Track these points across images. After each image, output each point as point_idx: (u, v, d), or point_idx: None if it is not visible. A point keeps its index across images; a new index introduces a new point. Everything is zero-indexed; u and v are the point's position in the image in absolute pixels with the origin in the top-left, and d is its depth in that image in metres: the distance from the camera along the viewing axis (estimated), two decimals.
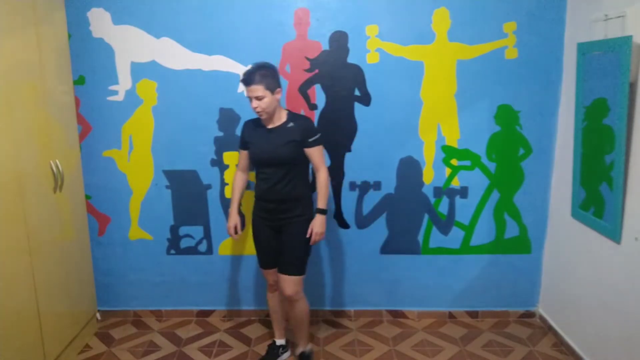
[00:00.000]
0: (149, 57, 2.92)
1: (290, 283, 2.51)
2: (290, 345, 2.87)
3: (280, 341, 2.81)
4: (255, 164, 2.57)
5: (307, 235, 2.50)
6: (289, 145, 2.43)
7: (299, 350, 2.72)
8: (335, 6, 2.86)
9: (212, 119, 2.99)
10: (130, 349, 2.93)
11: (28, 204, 2.36)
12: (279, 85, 2.41)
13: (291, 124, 2.46)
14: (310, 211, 2.55)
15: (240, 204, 2.71)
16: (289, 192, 2.47)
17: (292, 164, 2.46)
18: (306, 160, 2.52)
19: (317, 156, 2.50)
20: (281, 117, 2.48)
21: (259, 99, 2.34)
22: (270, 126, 2.47)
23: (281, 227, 2.54)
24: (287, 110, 2.53)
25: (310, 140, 2.45)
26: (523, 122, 2.97)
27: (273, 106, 2.40)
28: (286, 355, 2.82)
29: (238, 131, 2.99)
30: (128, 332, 3.12)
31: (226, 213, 3.09)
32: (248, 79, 2.34)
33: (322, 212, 2.51)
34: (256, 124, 2.52)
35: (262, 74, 2.33)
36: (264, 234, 2.59)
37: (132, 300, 3.27)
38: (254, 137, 2.52)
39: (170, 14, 2.86)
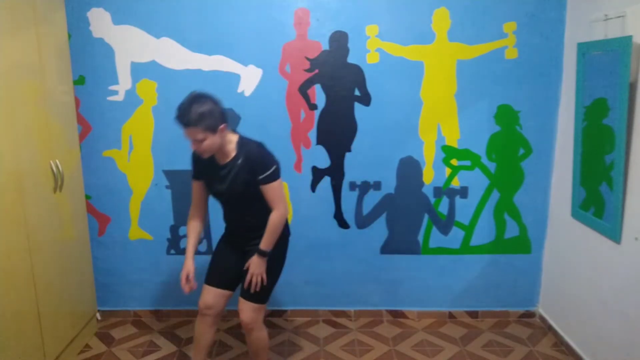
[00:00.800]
0: (149, 57, 2.91)
1: (247, 309, 2.24)
2: None
3: None
4: (212, 196, 2.34)
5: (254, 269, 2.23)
6: (241, 185, 2.14)
7: None
8: (335, 6, 2.86)
9: None
10: (130, 349, 2.93)
11: (28, 204, 2.36)
12: (223, 121, 2.04)
13: (240, 160, 2.12)
14: (282, 239, 2.28)
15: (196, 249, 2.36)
16: (251, 224, 2.25)
17: (251, 200, 2.19)
18: None
19: (271, 195, 2.16)
20: (231, 151, 2.14)
21: (198, 141, 2.01)
22: (220, 162, 2.17)
23: (247, 252, 2.29)
24: (239, 137, 2.17)
25: (260, 177, 2.12)
26: (523, 122, 2.97)
27: (216, 145, 2.06)
28: None
29: (238, 131, 2.97)
30: (128, 332, 3.12)
31: None
32: (182, 119, 1.98)
33: (262, 254, 2.19)
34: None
35: (200, 112, 1.96)
36: (228, 247, 2.38)
37: (132, 300, 3.27)
38: (206, 170, 2.22)
39: (170, 14, 2.86)
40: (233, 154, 2.14)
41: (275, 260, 2.29)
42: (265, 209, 2.19)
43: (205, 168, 2.22)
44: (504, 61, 2.89)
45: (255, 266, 2.21)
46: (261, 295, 2.26)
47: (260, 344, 2.34)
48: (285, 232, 2.32)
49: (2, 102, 2.18)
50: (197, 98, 2.01)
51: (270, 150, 2.21)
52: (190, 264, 2.29)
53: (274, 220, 2.17)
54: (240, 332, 3.09)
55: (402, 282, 3.22)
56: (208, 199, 2.36)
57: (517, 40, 2.87)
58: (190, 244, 2.32)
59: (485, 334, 3.08)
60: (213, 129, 2.00)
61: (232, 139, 2.16)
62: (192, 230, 2.33)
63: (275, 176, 2.15)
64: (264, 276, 2.22)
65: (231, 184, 2.15)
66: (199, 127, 1.97)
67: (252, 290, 2.22)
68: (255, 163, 2.12)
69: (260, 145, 2.19)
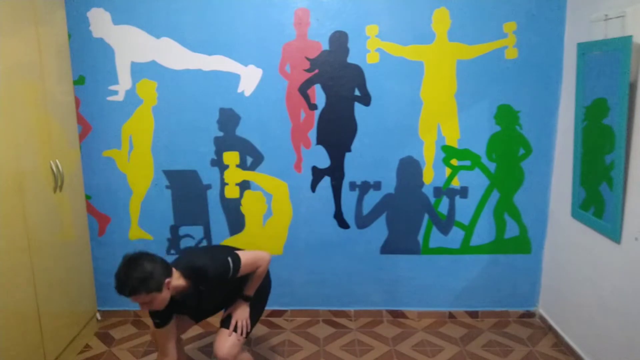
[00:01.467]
0: (149, 57, 2.92)
1: (228, 342, 2.13)
2: None
3: None
4: None
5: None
6: (219, 296, 2.18)
7: None
8: (335, 6, 2.86)
9: (212, 119, 2.99)
10: (130, 349, 2.93)
11: (28, 203, 2.36)
12: (166, 275, 1.89)
13: (202, 286, 2.02)
14: (266, 280, 2.34)
15: None
16: (234, 294, 2.26)
17: (231, 288, 2.20)
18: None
19: (247, 269, 2.13)
20: (184, 284, 1.99)
21: (146, 304, 1.88)
22: (180, 297, 2.03)
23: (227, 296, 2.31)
24: (180, 272, 2.00)
25: (229, 277, 2.05)
26: (523, 122, 2.97)
27: (168, 297, 1.92)
28: None
29: (238, 131, 2.99)
30: (128, 332, 3.12)
31: (227, 213, 3.09)
32: (124, 291, 1.83)
33: (246, 298, 2.23)
34: None
35: (141, 279, 1.81)
36: None
37: None
38: (170, 312, 2.09)
39: (170, 14, 2.86)
40: (189, 285, 2.01)
41: (259, 300, 2.34)
42: (243, 280, 2.21)
43: (168, 312, 2.08)
44: (504, 61, 2.89)
45: (240, 311, 2.22)
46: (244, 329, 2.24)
47: None
48: (266, 280, 2.37)
49: (2, 102, 2.18)
50: (132, 263, 1.84)
51: (210, 247, 2.26)
52: None
53: (258, 271, 2.21)
54: None
55: (402, 282, 3.22)
56: (175, 344, 2.18)
57: (517, 40, 2.87)
58: None
59: (485, 334, 3.08)
60: (158, 289, 1.85)
61: (177, 276, 1.99)
62: None
63: (237, 262, 2.07)
64: (249, 321, 2.24)
65: (209, 303, 2.18)
66: (142, 293, 1.82)
67: (238, 333, 2.19)
68: (216, 278, 2.01)
69: (205, 261, 2.02)
